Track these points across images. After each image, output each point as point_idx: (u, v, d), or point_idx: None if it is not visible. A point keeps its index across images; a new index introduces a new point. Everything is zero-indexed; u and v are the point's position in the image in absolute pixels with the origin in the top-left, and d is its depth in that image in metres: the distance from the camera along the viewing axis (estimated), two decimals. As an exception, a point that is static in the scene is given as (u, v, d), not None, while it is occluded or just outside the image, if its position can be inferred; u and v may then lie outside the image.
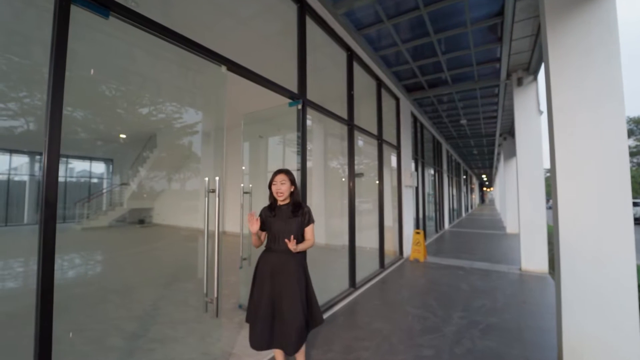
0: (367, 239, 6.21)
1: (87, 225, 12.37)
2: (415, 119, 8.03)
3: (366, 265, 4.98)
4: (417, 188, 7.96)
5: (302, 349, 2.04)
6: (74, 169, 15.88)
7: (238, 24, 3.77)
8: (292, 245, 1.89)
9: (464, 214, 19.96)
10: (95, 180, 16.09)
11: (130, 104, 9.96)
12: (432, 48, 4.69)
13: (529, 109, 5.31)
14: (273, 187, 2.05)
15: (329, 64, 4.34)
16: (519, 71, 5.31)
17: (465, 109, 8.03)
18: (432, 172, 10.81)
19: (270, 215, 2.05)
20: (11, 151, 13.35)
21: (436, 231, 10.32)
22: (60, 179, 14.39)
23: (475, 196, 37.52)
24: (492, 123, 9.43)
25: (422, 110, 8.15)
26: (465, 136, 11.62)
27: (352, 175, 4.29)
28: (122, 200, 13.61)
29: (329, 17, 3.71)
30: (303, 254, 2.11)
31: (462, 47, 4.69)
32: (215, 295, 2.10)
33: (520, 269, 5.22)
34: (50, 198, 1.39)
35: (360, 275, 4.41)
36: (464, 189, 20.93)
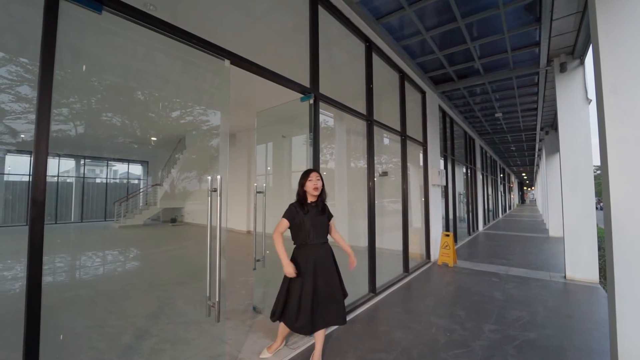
0: (390, 241, 5.91)
1: (124, 224, 13.20)
2: (444, 114, 7.54)
3: (388, 269, 4.70)
4: (446, 187, 7.47)
5: (323, 333, 2.26)
6: (117, 171, 17.19)
7: (244, 15, 3.64)
8: (353, 260, 2.40)
9: (500, 215, 18.64)
10: (135, 182, 17.27)
11: (161, 108, 10.44)
12: (460, 34, 4.30)
13: (574, 98, 4.71)
14: (309, 184, 2.19)
15: (345, 56, 4.14)
16: (562, 55, 4.73)
17: (500, 101, 7.40)
18: (464, 170, 10.15)
19: (303, 212, 2.17)
20: (59, 155, 14.63)
21: (468, 233, 9.66)
22: (102, 180, 15.50)
23: (514, 196, 35.04)
24: (531, 116, 8.62)
25: (452, 104, 7.63)
26: (502, 131, 10.77)
27: (372, 174, 4.05)
28: (155, 200, 14.36)
29: (344, 6, 3.51)
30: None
31: (495, 32, 4.25)
32: (217, 299, 2.00)
33: (564, 277, 4.65)
34: (38, 197, 1.36)
35: (381, 280, 4.16)
36: (500, 188, 19.54)
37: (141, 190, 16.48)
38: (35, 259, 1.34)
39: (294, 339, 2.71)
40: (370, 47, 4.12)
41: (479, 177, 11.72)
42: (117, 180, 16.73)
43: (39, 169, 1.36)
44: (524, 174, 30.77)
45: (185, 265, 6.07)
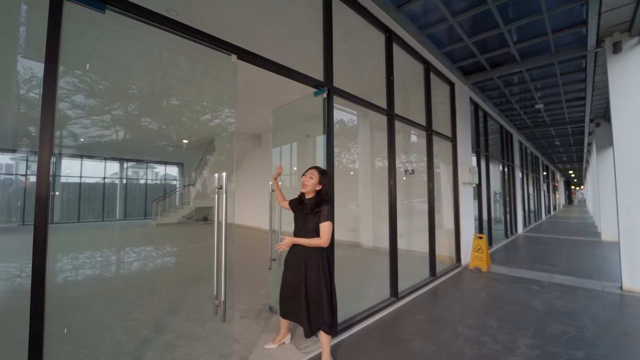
0: (416, 243, 5.60)
1: (160, 222, 14.01)
2: (475, 107, 7.04)
3: (413, 273, 4.44)
4: (479, 186, 6.95)
5: (326, 339, 2.16)
6: (158, 173, 18.49)
7: (251, 7, 3.59)
8: (281, 246, 2.12)
9: (544, 216, 17.12)
10: (173, 182, 18.42)
11: (192, 112, 10.91)
12: (491, 18, 3.93)
13: (631, 83, 4.10)
14: (302, 178, 2.21)
15: (364, 48, 3.96)
16: (616, 34, 4.15)
17: (541, 90, 6.73)
18: (500, 167, 9.42)
19: (299, 207, 2.22)
20: (105, 158, 15.91)
21: (506, 236, 8.94)
22: (142, 182, 16.60)
23: (560, 195, 32.11)
24: (578, 106, 7.75)
25: (485, 96, 7.08)
26: (544, 124, 9.84)
27: (393, 171, 3.83)
28: (189, 200, 15.06)
29: (361, -5, 3.35)
30: (319, 249, 2.15)
31: (532, 12, 3.83)
32: (223, 299, 1.95)
33: (620, 288, 4.07)
34: (42, 194, 1.38)
35: (405, 284, 3.92)
36: (543, 187, 17.94)
37: (177, 190, 17.45)
38: (39, 255, 1.36)
39: (307, 343, 2.61)
40: (391, 38, 3.90)
41: (518, 175, 10.82)
42: (158, 182, 17.99)
43: (42, 167, 1.38)
44: (570, 172, 28.06)
45: (210, 263, 6.23)
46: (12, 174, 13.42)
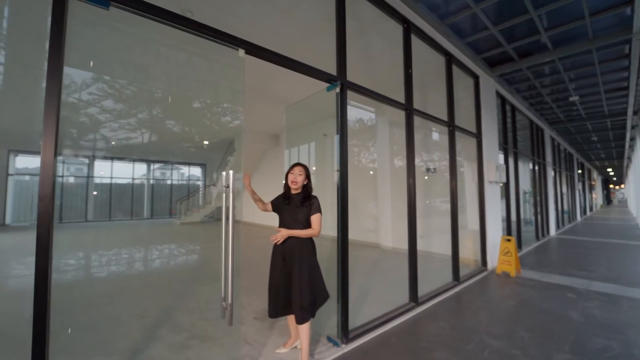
0: (438, 245, 5.34)
1: (184, 221, 14.45)
2: (503, 101, 6.63)
3: (434, 276, 4.22)
4: (506, 184, 6.54)
5: (308, 329, 2.17)
6: (183, 173, 19.26)
7: (262, 3, 3.52)
8: (276, 237, 2.16)
9: (579, 217, 15.97)
10: (197, 182, 19.09)
11: (212, 114, 11.14)
12: (519, 2, 3.64)
13: (686, 67, 3.65)
14: (290, 176, 2.25)
15: (380, 41, 3.79)
16: (667, 14, 3.70)
17: (576, 81, 6.21)
18: (530, 165, 8.85)
19: (284, 203, 2.26)
20: (134, 160, 16.68)
21: (537, 238, 8.38)
22: (167, 182, 17.23)
23: (597, 195, 29.90)
24: (620, 97, 7.08)
25: (513, 89, 6.64)
26: (579, 118, 9.12)
27: (412, 169, 3.64)
28: (211, 199, 15.42)
29: (376, -16, 3.20)
30: (310, 239, 2.25)
31: (567, -7, 3.50)
32: (230, 302, 1.89)
33: (674, 298, 3.63)
34: (45, 194, 1.36)
35: (425, 288, 3.72)
36: (578, 186, 16.73)
37: (200, 190, 17.99)
38: (42, 254, 1.35)
39: (320, 348, 2.50)
40: (409, 29, 3.70)
41: (550, 173, 10.12)
42: (184, 182, 18.74)
43: (45, 168, 1.37)
44: (609, 170, 25.99)
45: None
46: (59, 176, 14.34)
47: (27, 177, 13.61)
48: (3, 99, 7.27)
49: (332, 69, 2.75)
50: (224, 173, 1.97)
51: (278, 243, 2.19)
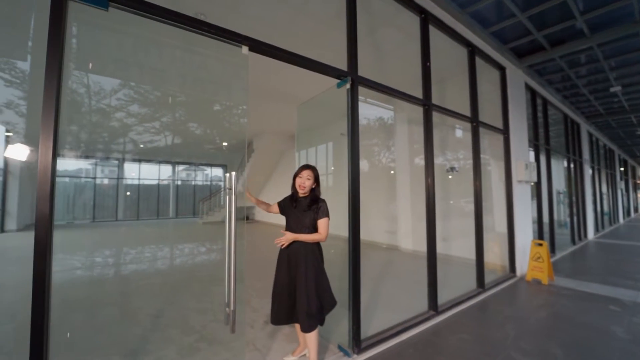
0: (461, 249, 5.04)
1: (206, 220, 14.84)
2: (532, 94, 6.16)
3: (457, 283, 3.96)
4: (538, 184, 6.07)
5: (315, 337, 2.08)
6: (207, 174, 19.98)
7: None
8: (281, 240, 2.09)
9: (621, 220, 14.66)
10: (220, 183, 19.70)
11: (232, 115, 11.33)
12: (551, -15, 3.32)
13: None
14: (298, 180, 2.17)
15: (395, 34, 3.60)
16: None
17: (617, 70, 5.64)
18: (564, 163, 8.20)
19: (291, 205, 2.19)
20: (160, 162, 17.41)
21: (572, 242, 7.73)
22: (191, 183, 17.80)
23: (643, 195, 27.34)
24: (671, 86, 6.37)
25: (544, 81, 6.15)
26: (621, 111, 8.32)
27: (431, 168, 3.42)
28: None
29: (390, -26, 3.03)
30: (317, 244, 2.16)
31: (607, -29, 3.14)
32: (232, 308, 1.82)
33: None
34: (45, 196, 1.35)
35: (446, 295, 3.49)
36: (621, 185, 15.36)
37: (221, 190, 18.46)
38: (40, 258, 1.33)
39: (329, 358, 2.38)
40: (427, 19, 3.49)
41: (587, 171, 9.33)
42: (208, 183, 19.42)
43: (44, 168, 1.36)
44: (658, 167, 23.72)
45: (244, 262, 6.32)
46: (91, 177, 15.24)
47: (66, 179, 14.55)
48: (36, 103, 7.76)
49: (340, 64, 2.62)
50: (227, 175, 1.92)
51: (283, 247, 2.12)
